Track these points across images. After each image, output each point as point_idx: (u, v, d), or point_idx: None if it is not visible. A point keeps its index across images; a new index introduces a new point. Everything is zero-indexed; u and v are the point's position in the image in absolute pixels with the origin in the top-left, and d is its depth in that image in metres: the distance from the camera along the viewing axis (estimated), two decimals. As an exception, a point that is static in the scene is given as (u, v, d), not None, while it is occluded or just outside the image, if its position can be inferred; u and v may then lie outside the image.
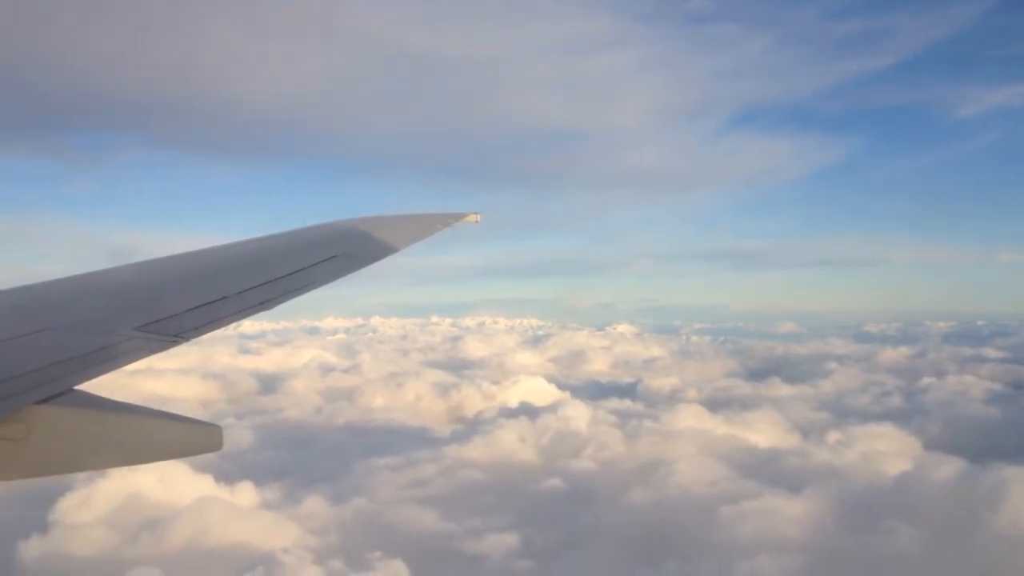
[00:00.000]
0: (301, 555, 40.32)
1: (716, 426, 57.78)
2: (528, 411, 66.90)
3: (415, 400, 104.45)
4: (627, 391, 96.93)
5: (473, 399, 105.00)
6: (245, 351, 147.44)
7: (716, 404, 77.13)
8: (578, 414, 62.97)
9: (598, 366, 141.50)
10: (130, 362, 3.77)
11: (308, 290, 5.19)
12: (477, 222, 8.28)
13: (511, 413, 66.97)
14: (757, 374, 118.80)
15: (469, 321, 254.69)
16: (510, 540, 41.35)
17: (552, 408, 64.80)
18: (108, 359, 3.71)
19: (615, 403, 73.81)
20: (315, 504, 50.61)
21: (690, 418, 59.17)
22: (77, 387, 3.41)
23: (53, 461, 3.19)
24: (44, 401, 3.19)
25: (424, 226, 7.74)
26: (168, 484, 50.22)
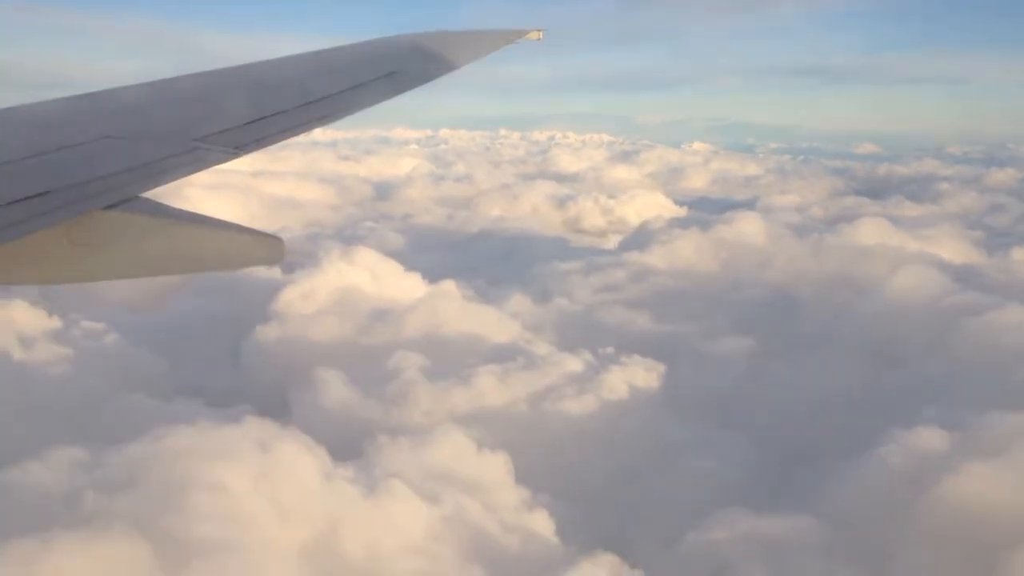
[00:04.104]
0: (548, 348, 42.19)
1: (904, 242, 57.62)
2: (697, 222, 67.12)
3: (532, 211, 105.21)
4: (748, 207, 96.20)
5: (591, 212, 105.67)
6: (344, 158, 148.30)
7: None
8: (752, 228, 63.06)
9: (698, 183, 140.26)
10: (191, 172, 3.79)
11: (365, 106, 5.29)
12: (539, 39, 8.09)
13: (682, 223, 67.20)
14: (870, 194, 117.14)
15: (539, 135, 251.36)
16: (747, 343, 42.48)
17: (726, 220, 64.80)
18: (170, 169, 3.72)
19: (783, 216, 73.32)
20: (519, 303, 51.78)
21: (874, 233, 58.92)
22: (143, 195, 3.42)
23: (120, 265, 3.27)
24: (111, 207, 3.20)
25: (485, 43, 7.67)
26: (380, 280, 51.82)
